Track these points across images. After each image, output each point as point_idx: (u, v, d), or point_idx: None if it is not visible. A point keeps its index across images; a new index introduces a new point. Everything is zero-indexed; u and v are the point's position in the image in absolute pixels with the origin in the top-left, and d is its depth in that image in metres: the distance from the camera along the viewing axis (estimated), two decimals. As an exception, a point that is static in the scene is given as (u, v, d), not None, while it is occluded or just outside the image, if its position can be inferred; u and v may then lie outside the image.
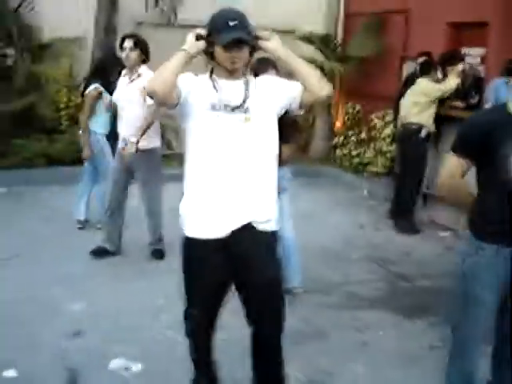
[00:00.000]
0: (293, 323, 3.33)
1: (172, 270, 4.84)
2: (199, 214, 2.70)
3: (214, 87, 2.67)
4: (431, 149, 6.53)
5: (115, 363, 3.44)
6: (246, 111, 2.65)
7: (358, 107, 9.18)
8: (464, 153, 2.67)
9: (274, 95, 2.71)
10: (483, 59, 7.49)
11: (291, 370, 3.10)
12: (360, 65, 8.81)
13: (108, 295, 4.38)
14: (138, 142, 4.81)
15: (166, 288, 4.26)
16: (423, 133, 6.19)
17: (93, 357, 3.51)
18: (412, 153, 6.31)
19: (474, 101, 6.95)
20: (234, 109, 2.63)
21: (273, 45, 2.66)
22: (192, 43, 2.60)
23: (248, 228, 2.68)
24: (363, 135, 8.77)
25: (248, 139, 2.66)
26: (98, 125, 5.64)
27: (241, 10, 2.69)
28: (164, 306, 4.21)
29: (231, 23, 2.58)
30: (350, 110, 9.19)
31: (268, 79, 2.81)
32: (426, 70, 6.34)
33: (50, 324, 3.91)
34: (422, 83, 6.25)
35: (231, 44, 2.57)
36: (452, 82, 6.20)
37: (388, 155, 8.33)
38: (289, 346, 2.94)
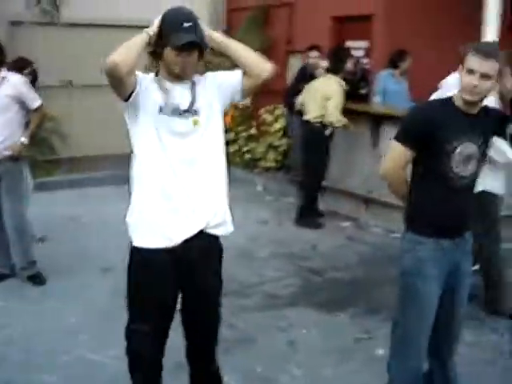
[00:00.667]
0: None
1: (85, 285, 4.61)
2: (148, 222, 2.54)
3: (161, 89, 2.52)
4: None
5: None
6: (194, 114, 2.54)
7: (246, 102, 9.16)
8: (409, 143, 2.67)
9: (219, 93, 2.61)
10: (367, 52, 7.73)
11: (226, 380, 2.99)
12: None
13: (16, 319, 4.02)
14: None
15: (77, 306, 3.99)
16: (327, 132, 6.23)
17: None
18: (315, 150, 6.34)
19: (364, 91, 7.15)
20: (182, 112, 2.52)
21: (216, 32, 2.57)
22: (154, 29, 2.46)
23: (199, 235, 2.56)
24: (253, 131, 8.78)
25: (197, 143, 2.55)
26: None
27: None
28: (77, 325, 3.93)
29: (186, 25, 2.44)
30: (239, 106, 9.15)
31: (210, 76, 2.66)
32: (336, 68, 6.28)
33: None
34: (333, 87, 6.19)
35: (184, 47, 2.43)
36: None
37: (279, 149, 8.39)
38: (218, 354, 2.81)
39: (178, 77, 2.53)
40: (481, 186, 3.41)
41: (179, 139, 2.52)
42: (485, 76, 2.55)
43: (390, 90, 6.87)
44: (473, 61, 2.56)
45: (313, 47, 7.15)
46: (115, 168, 6.66)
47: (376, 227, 6.35)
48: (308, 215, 6.41)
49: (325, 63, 6.65)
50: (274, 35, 8.79)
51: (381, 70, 7.18)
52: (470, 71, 2.55)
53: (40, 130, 7.91)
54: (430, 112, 2.73)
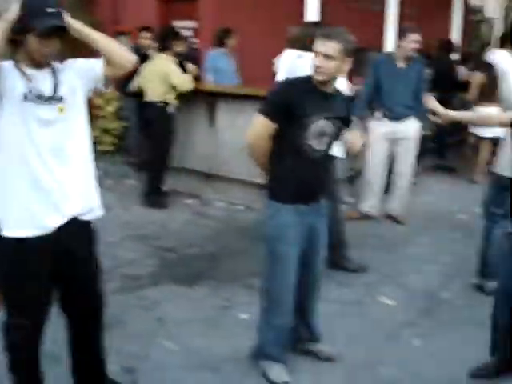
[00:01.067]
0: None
1: None
2: (19, 211, 2.50)
3: (23, 77, 2.47)
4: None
5: None
6: (59, 101, 2.54)
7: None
8: (271, 116, 2.89)
9: (81, 79, 2.62)
10: (195, 32, 7.90)
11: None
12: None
13: None
14: None
15: None
16: (170, 109, 6.30)
17: None
18: (161, 129, 6.40)
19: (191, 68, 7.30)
20: (47, 99, 2.50)
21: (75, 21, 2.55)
22: (13, 15, 2.37)
23: (72, 221, 2.60)
24: (85, 114, 8.57)
25: (64, 130, 2.56)
26: None
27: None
28: None
29: (49, 10, 2.41)
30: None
31: (71, 63, 2.65)
32: (166, 47, 6.35)
33: None
34: (169, 65, 6.26)
35: (48, 32, 2.40)
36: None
37: (114, 132, 8.31)
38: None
39: (39, 64, 2.51)
40: None
41: (46, 127, 2.51)
42: (327, 56, 2.84)
43: (220, 68, 7.12)
44: (316, 43, 2.85)
45: (144, 28, 7.15)
46: None
47: (219, 201, 6.61)
48: (153, 195, 6.48)
49: (155, 43, 6.72)
50: (101, 16, 8.61)
51: (211, 49, 7.40)
52: (316, 53, 2.83)
53: None
54: (290, 88, 2.98)
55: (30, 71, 2.49)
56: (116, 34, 8.50)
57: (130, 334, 3.74)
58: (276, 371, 3.18)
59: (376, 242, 5.43)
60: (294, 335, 3.33)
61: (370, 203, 5.95)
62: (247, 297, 4.27)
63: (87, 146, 2.67)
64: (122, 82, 7.09)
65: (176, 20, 8.02)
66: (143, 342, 3.63)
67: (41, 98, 2.49)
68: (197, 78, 7.17)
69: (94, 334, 2.84)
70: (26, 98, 2.46)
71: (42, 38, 2.41)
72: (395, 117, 5.68)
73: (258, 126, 2.96)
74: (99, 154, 8.25)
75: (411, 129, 5.77)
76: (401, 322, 3.94)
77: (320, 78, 2.87)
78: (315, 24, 5.27)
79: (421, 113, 5.48)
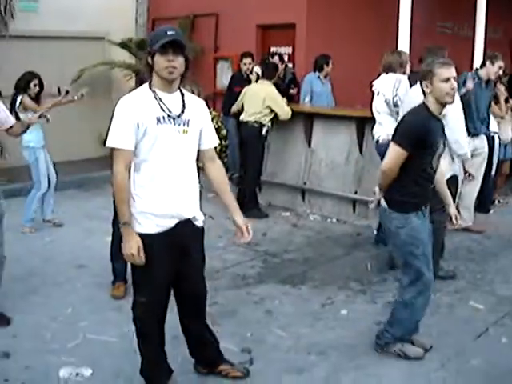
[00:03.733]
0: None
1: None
2: (153, 212, 3.02)
3: (156, 98, 2.96)
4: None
5: (65, 371, 3.57)
6: (184, 124, 3.00)
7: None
8: (407, 147, 3.36)
9: (201, 115, 3.11)
10: (290, 57, 8.47)
11: (224, 345, 3.60)
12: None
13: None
14: None
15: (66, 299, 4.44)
16: (264, 131, 6.84)
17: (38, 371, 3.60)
18: (253, 148, 6.95)
19: (294, 92, 7.89)
20: (174, 119, 2.97)
21: None
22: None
23: (189, 223, 3.13)
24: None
25: (184, 149, 3.03)
26: None
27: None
28: (74, 315, 4.38)
29: (169, 32, 2.88)
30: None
31: (204, 107, 3.17)
32: (270, 73, 6.88)
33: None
34: (270, 91, 6.77)
35: (168, 47, 2.84)
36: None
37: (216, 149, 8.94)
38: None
39: (168, 85, 2.95)
40: None
41: (171, 145, 2.97)
42: (454, 79, 3.37)
43: (316, 92, 7.65)
44: (445, 71, 3.35)
45: (245, 54, 7.78)
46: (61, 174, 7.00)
47: (313, 214, 7.09)
48: (252, 208, 7.00)
49: (258, 68, 7.33)
50: (202, 43, 9.34)
51: (304, 73, 7.96)
52: (447, 79, 3.34)
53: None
54: (421, 119, 3.43)
55: (161, 93, 2.97)
56: (215, 59, 9.24)
57: (243, 322, 4.27)
58: (413, 349, 3.74)
59: (465, 253, 5.75)
60: None
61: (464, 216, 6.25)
62: (345, 296, 4.73)
63: (195, 166, 3.14)
64: (225, 104, 7.74)
65: (273, 46, 8.62)
66: (256, 329, 4.14)
67: (170, 118, 2.94)
68: (294, 99, 7.74)
69: (201, 317, 3.40)
70: (158, 120, 2.92)
71: (163, 53, 2.84)
72: (475, 133, 6.08)
73: (394, 157, 3.40)
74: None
75: (484, 144, 6.25)
76: (489, 322, 4.27)
77: (450, 100, 3.37)
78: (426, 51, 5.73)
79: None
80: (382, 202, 3.58)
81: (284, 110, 6.78)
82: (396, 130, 3.50)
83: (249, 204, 6.99)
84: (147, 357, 3.30)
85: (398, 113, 5.45)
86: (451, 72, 3.35)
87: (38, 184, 6.30)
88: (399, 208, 3.49)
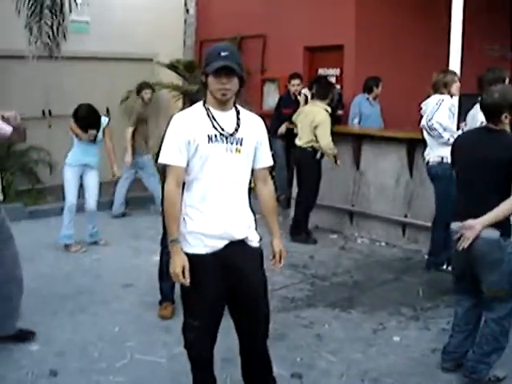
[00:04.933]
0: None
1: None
2: (203, 232, 2.94)
3: (208, 116, 2.92)
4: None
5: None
6: (237, 142, 2.93)
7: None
8: None
9: (257, 134, 3.02)
10: (338, 78, 8.42)
11: (275, 370, 3.46)
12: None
13: (61, 334, 4.37)
14: None
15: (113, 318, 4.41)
16: (318, 156, 6.72)
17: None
18: (309, 172, 6.81)
19: (341, 112, 7.82)
20: (227, 138, 2.91)
21: None
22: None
23: (241, 243, 3.02)
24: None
25: (236, 168, 2.95)
26: None
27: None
28: (121, 334, 4.35)
29: (223, 53, 2.84)
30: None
31: (262, 126, 3.09)
32: (324, 92, 6.77)
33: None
34: (321, 116, 6.59)
35: (220, 71, 2.81)
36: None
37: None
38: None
39: (222, 104, 2.90)
40: None
41: (223, 163, 2.89)
42: None
43: (365, 113, 7.57)
44: None
45: (294, 75, 7.76)
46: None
47: (361, 238, 6.96)
48: (301, 232, 6.86)
49: (306, 90, 7.28)
50: (249, 64, 9.35)
51: (352, 95, 7.89)
52: None
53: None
54: None
55: (215, 111, 2.93)
56: (262, 81, 9.24)
57: (292, 346, 4.17)
58: (499, 370, 3.64)
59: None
60: None
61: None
62: (397, 322, 4.58)
63: (247, 185, 3.05)
64: (273, 125, 7.70)
65: (320, 68, 8.58)
66: (306, 354, 4.04)
67: (222, 137, 2.88)
68: (339, 120, 7.65)
69: (261, 341, 3.21)
70: (210, 139, 2.87)
71: (216, 76, 2.82)
72: None
73: None
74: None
75: None
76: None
77: None
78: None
79: None
80: (488, 233, 3.37)
81: (326, 142, 6.59)
82: None
83: (299, 228, 6.88)
84: (198, 380, 3.21)
85: (441, 135, 5.32)
86: None
87: (66, 200, 6.37)
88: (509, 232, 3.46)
